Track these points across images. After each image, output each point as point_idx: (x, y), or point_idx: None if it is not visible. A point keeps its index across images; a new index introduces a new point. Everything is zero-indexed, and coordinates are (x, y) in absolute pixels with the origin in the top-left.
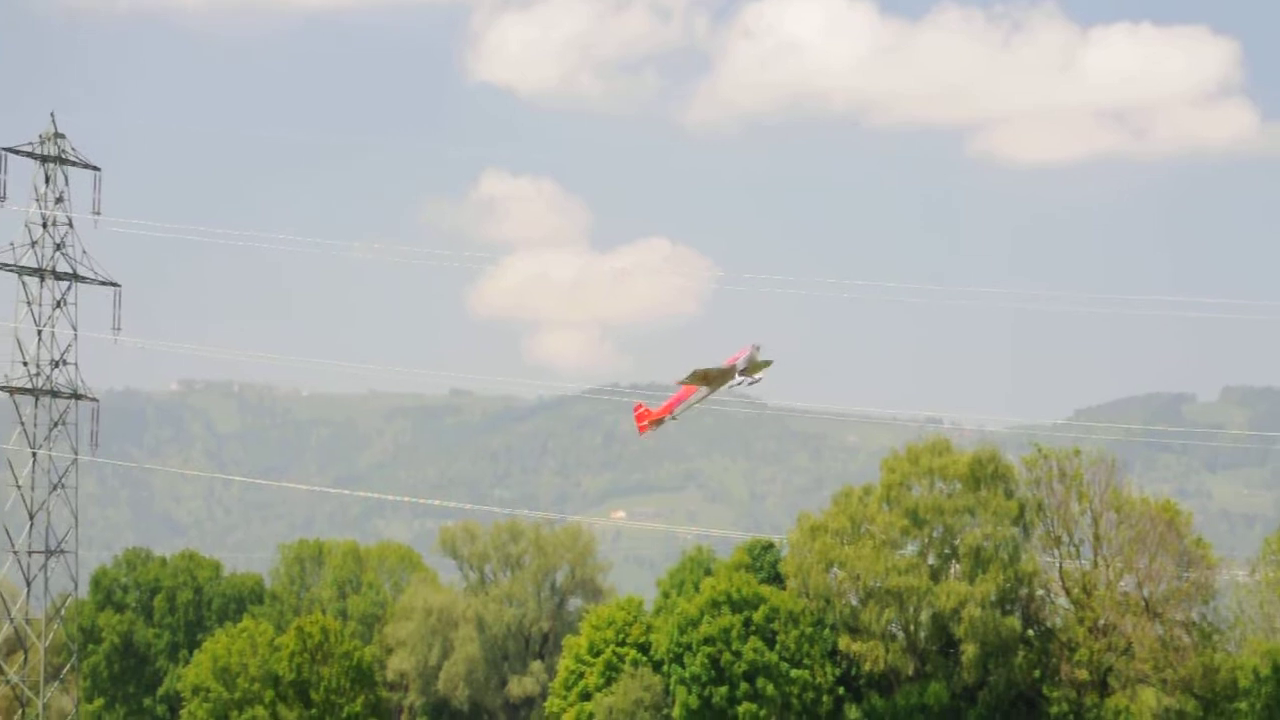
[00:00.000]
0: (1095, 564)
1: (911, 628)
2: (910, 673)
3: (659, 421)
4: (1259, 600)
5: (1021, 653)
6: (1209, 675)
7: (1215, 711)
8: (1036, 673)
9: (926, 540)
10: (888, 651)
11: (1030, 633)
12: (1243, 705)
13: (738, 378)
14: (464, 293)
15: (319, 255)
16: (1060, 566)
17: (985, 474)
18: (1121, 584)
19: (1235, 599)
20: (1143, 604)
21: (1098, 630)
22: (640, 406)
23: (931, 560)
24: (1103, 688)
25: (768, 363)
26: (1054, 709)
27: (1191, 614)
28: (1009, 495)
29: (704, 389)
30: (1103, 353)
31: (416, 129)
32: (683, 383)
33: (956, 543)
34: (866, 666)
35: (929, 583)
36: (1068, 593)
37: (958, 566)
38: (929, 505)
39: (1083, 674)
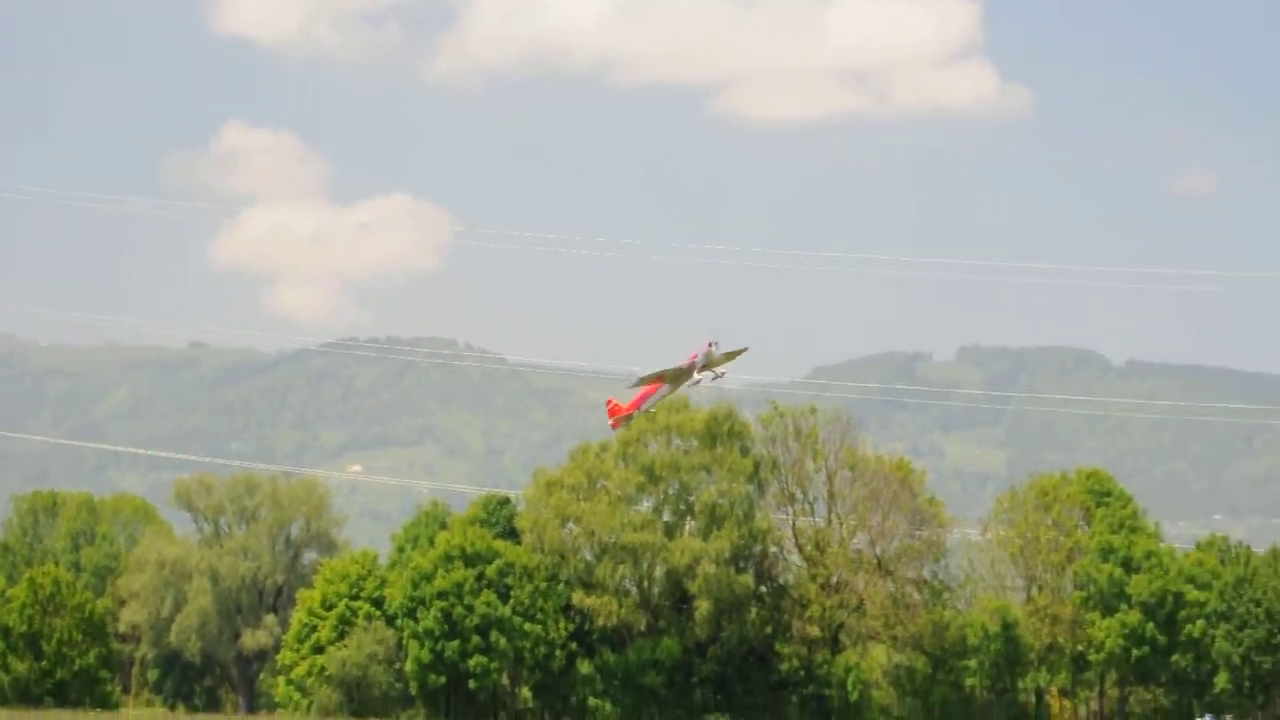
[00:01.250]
0: (829, 522)
1: (645, 583)
2: (643, 628)
3: (629, 417)
4: (990, 559)
5: (754, 609)
6: (939, 632)
7: (944, 668)
8: (769, 629)
9: (662, 497)
10: (621, 607)
11: (763, 589)
12: (971, 662)
13: (697, 375)
14: (203, 245)
15: (60, 206)
16: (794, 524)
17: (721, 431)
18: (854, 542)
19: (966, 557)
20: (875, 561)
21: (830, 587)
22: (612, 401)
23: (666, 517)
24: (834, 644)
25: (735, 353)
26: (785, 665)
27: (923, 572)
28: (745, 453)
29: (667, 385)
30: (841, 312)
31: (159, 81)
32: (642, 382)
33: (692, 499)
34: (600, 621)
35: (664, 539)
36: (801, 550)
37: (692, 523)
38: (665, 462)
39: (814, 630)
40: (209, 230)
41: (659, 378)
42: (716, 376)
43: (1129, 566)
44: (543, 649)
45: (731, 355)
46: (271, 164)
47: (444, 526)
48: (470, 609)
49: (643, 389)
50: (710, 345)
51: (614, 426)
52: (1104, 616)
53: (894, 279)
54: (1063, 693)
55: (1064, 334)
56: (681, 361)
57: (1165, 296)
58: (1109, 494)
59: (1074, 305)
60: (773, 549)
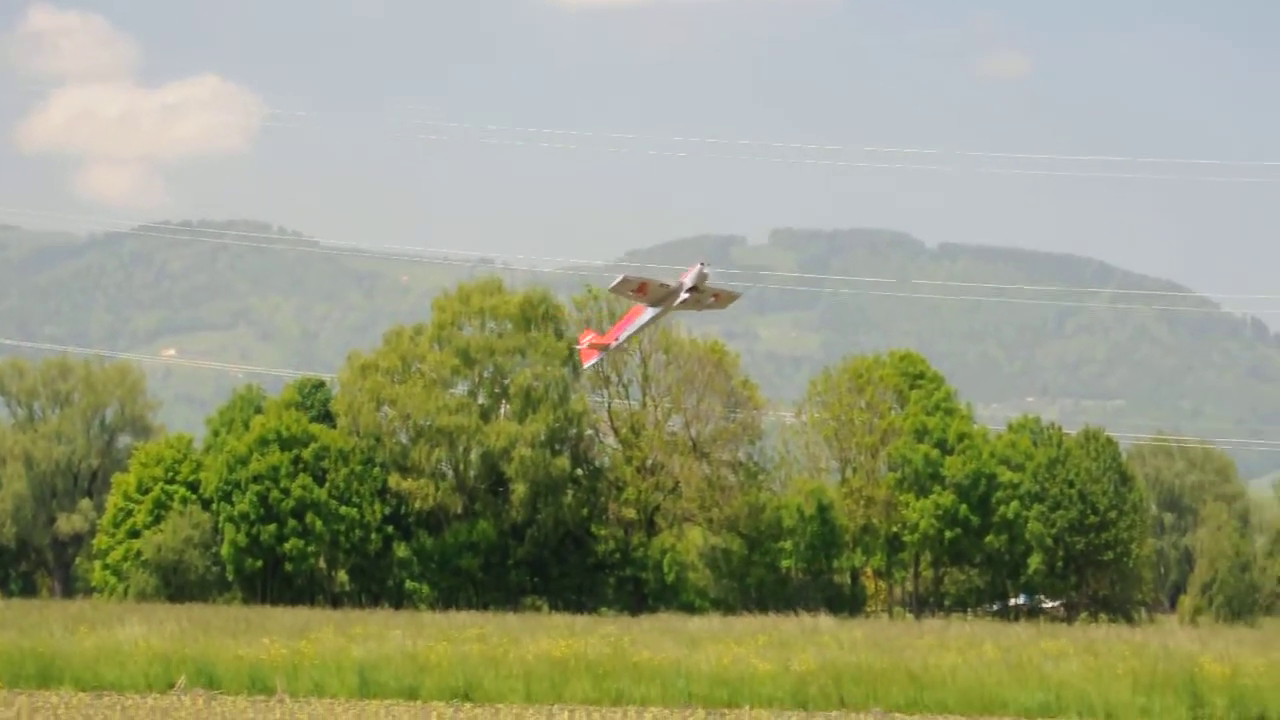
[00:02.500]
0: (644, 405)
1: (461, 466)
2: (459, 511)
3: (605, 348)
4: (804, 441)
5: (570, 492)
6: (754, 514)
7: (760, 550)
8: (585, 511)
9: (477, 380)
10: (438, 490)
11: (579, 472)
12: (787, 544)
13: (684, 295)
14: (11, 128)
15: None
16: (609, 407)
17: (536, 314)
18: (669, 424)
19: (781, 440)
20: (690, 444)
21: (645, 470)
22: (587, 334)
23: (482, 400)
24: (650, 526)
25: (734, 295)
26: (602, 547)
27: (738, 454)
28: (559, 336)
29: (650, 310)
30: (654, 195)
31: None
32: (614, 289)
33: (507, 382)
34: (416, 505)
35: (479, 422)
36: (616, 433)
37: (508, 406)
38: (480, 345)
39: (630, 513)
40: (16, 112)
41: (641, 287)
42: (704, 307)
43: (943, 448)
44: (359, 532)
45: (731, 295)
46: (79, 45)
47: (259, 410)
48: (286, 492)
49: (624, 316)
50: (702, 264)
51: (585, 362)
52: (918, 498)
53: (707, 162)
54: (878, 573)
55: (877, 217)
56: (670, 280)
57: (978, 180)
58: (922, 376)
59: (887, 188)
60: (588, 432)
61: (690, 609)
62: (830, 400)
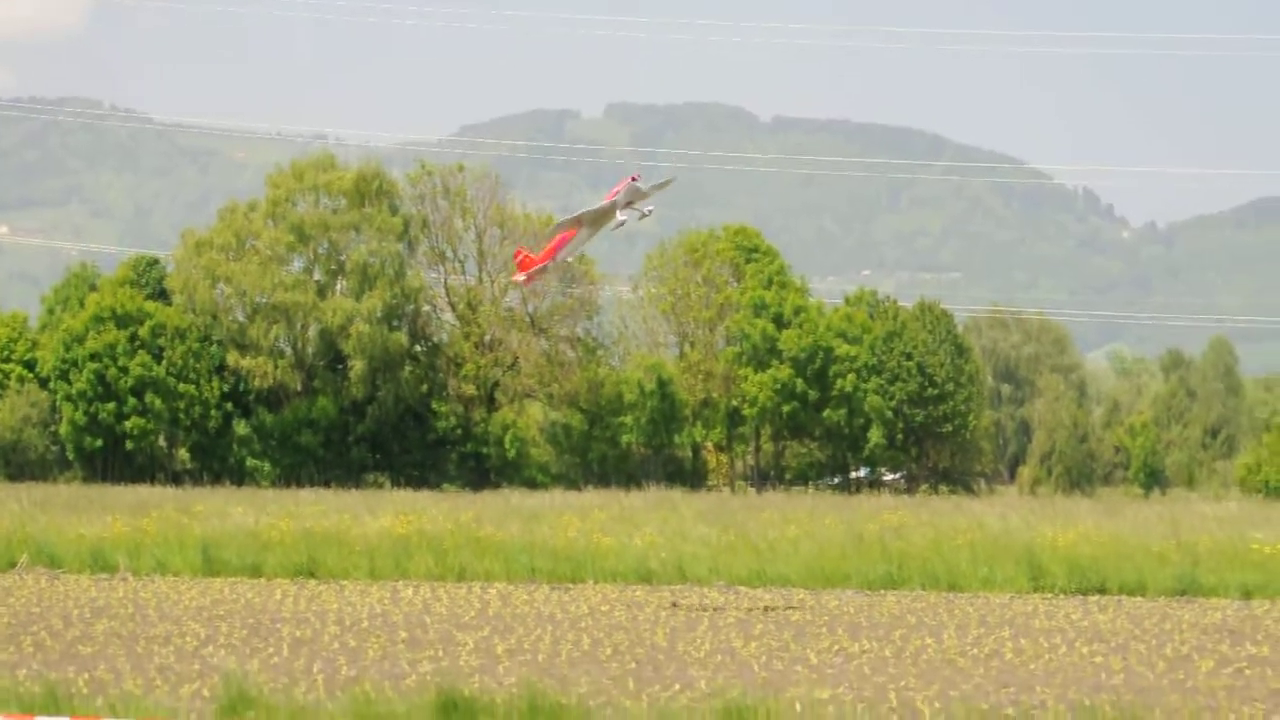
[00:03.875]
0: (480, 280)
1: (300, 343)
2: (299, 388)
3: (542, 269)
4: (642, 316)
5: (409, 368)
6: (594, 389)
7: (601, 425)
8: (424, 387)
9: (313, 256)
10: (276, 367)
11: (418, 348)
12: (627, 419)
13: (620, 214)
14: None
15: None
16: (445, 282)
17: (370, 190)
18: (506, 300)
19: (619, 315)
20: (528, 319)
21: (484, 346)
22: (520, 252)
23: (318, 276)
24: (490, 402)
25: (663, 184)
26: (442, 424)
27: (576, 329)
28: (394, 211)
29: (585, 230)
30: (488, 69)
31: None
32: (557, 228)
33: (343, 259)
34: (256, 383)
35: (315, 299)
36: (454, 308)
37: (344, 283)
38: (314, 221)
39: (470, 389)
40: None
41: (576, 222)
42: (643, 215)
43: (779, 322)
44: (198, 410)
45: (660, 186)
46: None
47: (94, 288)
48: (125, 370)
49: (556, 237)
50: (634, 179)
51: (526, 283)
52: (756, 372)
53: (541, 36)
54: (718, 447)
55: (711, 91)
56: (601, 202)
57: (812, 52)
58: (758, 250)
59: (721, 62)
60: (425, 308)
61: (533, 484)
62: (667, 275)
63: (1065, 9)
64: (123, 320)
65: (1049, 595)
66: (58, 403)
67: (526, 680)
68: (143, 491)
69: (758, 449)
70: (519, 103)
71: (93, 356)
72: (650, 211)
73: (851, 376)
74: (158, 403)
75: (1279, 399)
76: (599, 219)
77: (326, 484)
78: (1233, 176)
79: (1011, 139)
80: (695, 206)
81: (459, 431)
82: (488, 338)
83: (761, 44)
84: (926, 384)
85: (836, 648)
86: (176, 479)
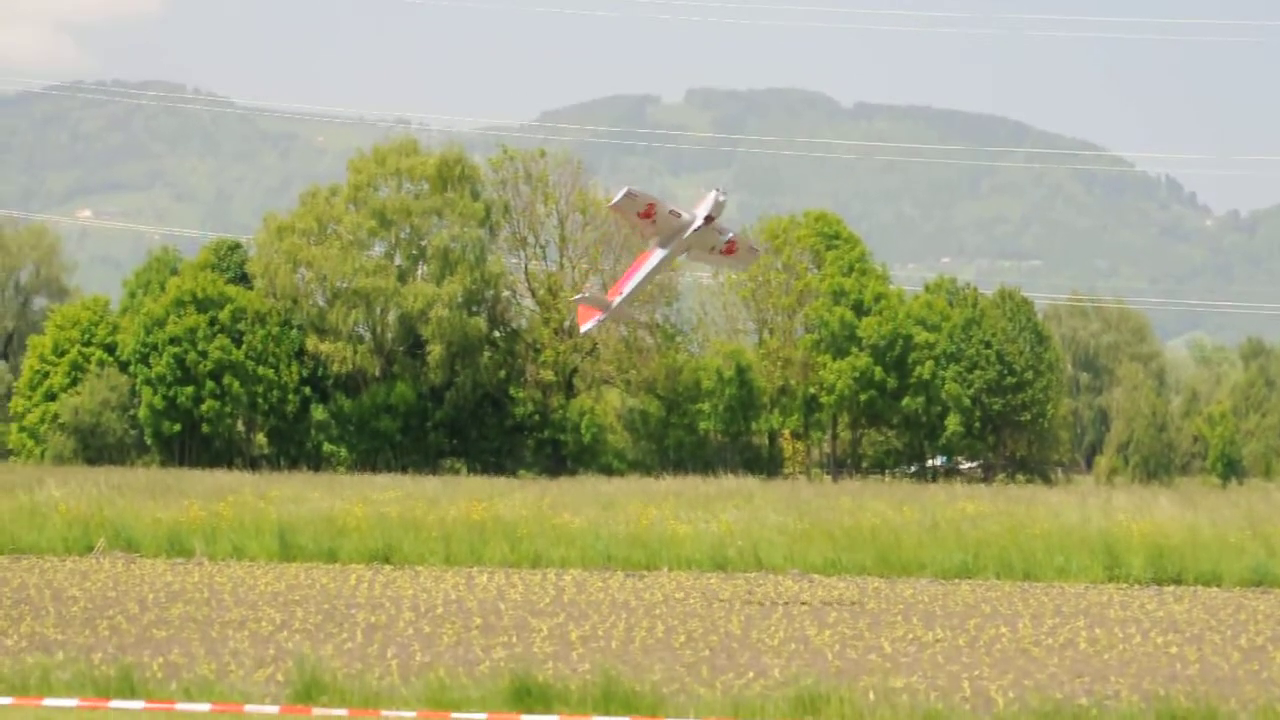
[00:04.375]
0: (561, 265)
1: (379, 328)
2: (377, 373)
3: (608, 306)
4: (722, 302)
5: (487, 353)
6: (672, 376)
7: (679, 412)
8: (503, 373)
9: (394, 241)
10: (355, 353)
11: (496, 334)
12: (705, 406)
13: (698, 224)
14: None
15: None
16: (526, 268)
17: (452, 175)
18: (587, 285)
19: (698, 301)
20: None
21: (563, 332)
22: (588, 290)
23: (399, 261)
24: (568, 388)
25: (756, 252)
26: (520, 409)
27: (655, 316)
28: (476, 197)
29: (659, 251)
30: (569, 54)
31: None
32: (615, 207)
33: (424, 244)
34: (335, 367)
35: (396, 284)
36: (534, 294)
37: (425, 268)
38: (396, 206)
39: (548, 375)
40: None
41: (649, 209)
42: (751, 249)
43: (859, 309)
44: (276, 394)
45: (745, 252)
46: None
47: (175, 272)
48: (204, 354)
49: (626, 273)
50: (717, 192)
51: (583, 322)
52: (835, 359)
53: (620, 20)
54: (795, 435)
55: (792, 76)
56: (678, 209)
57: (893, 38)
58: (838, 237)
59: (801, 47)
60: (505, 293)
61: (609, 471)
62: None
63: None
64: (203, 304)
65: (1124, 585)
66: (137, 386)
67: (600, 667)
68: (220, 476)
69: (834, 437)
70: (600, 88)
71: (172, 340)
72: (727, 255)
73: (930, 364)
74: (236, 387)
75: None
76: (675, 231)
77: (403, 469)
78: None
79: (1093, 126)
80: (775, 193)
81: (536, 418)
82: (567, 324)
83: (842, 29)
84: (1005, 372)
85: (910, 636)
86: (254, 464)
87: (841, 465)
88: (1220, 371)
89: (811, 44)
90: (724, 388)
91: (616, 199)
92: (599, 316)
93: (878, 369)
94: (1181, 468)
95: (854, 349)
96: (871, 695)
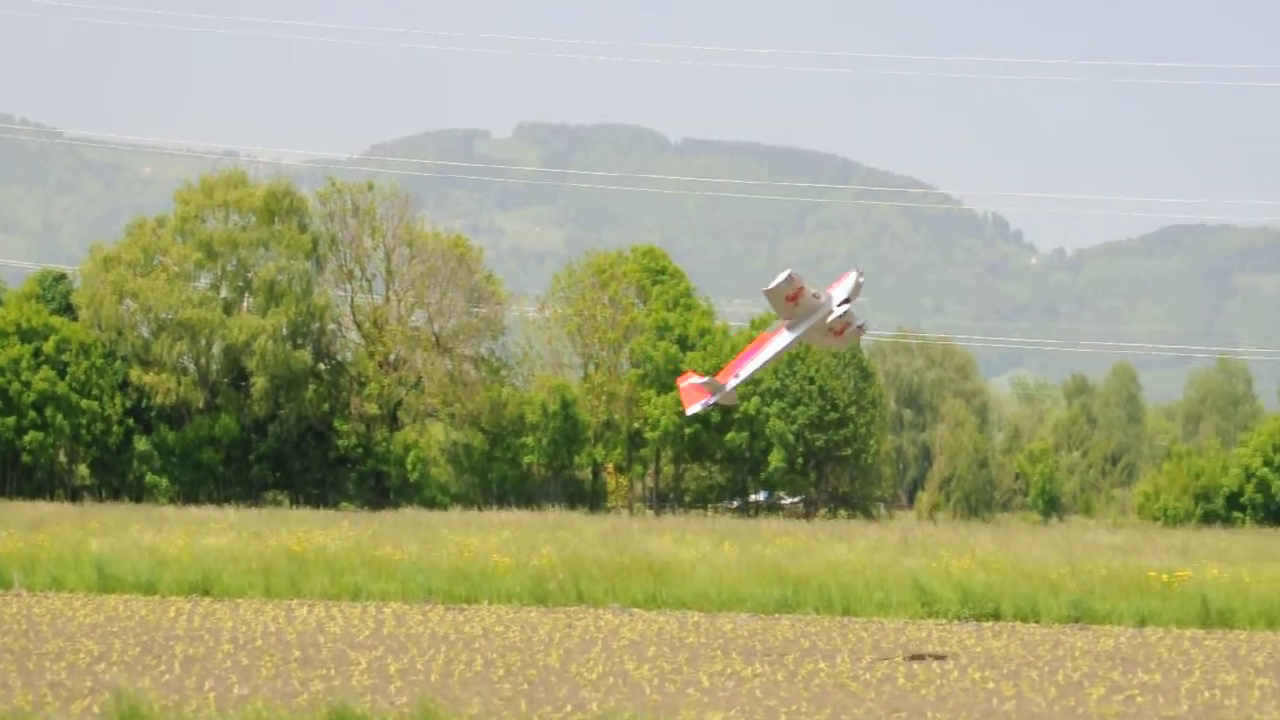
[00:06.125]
0: (387, 299)
1: (204, 360)
2: (201, 405)
3: (720, 389)
4: (547, 337)
5: (312, 386)
6: (497, 409)
7: (503, 445)
8: (327, 406)
9: (220, 273)
10: (179, 384)
11: (322, 366)
12: (529, 439)
13: (835, 308)
14: None
15: None
16: (352, 300)
17: (280, 208)
18: (412, 319)
19: (524, 335)
20: (433, 339)
21: (388, 365)
22: (689, 376)
23: (225, 293)
24: (393, 421)
25: (861, 330)
26: (344, 442)
27: (480, 349)
28: (303, 229)
29: (787, 334)
30: (398, 88)
31: None
32: (771, 291)
33: (250, 276)
34: (158, 399)
35: (221, 315)
36: (359, 327)
37: (251, 299)
38: (223, 238)
39: (373, 408)
40: None
41: (797, 293)
42: (858, 326)
43: (684, 344)
44: (100, 425)
45: (852, 332)
46: None
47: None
48: (27, 385)
49: (744, 350)
50: (857, 272)
51: (689, 405)
52: (659, 394)
53: (450, 54)
54: (619, 469)
55: (621, 112)
56: (818, 290)
57: (723, 74)
58: (664, 272)
59: (630, 83)
60: (331, 326)
61: (432, 504)
62: (573, 296)
63: (976, 33)
64: (27, 335)
65: (943, 620)
66: None
67: (418, 700)
68: (41, 507)
69: (658, 471)
70: (429, 122)
71: None
72: (835, 338)
73: (755, 400)
74: (59, 418)
75: (1179, 427)
76: (811, 313)
77: (227, 501)
78: (1142, 204)
79: (921, 164)
80: (603, 228)
81: (360, 450)
82: (392, 357)
83: (671, 66)
84: (828, 408)
85: (729, 671)
86: (75, 495)
87: (664, 499)
88: (1043, 409)
89: (640, 80)
90: (548, 421)
91: (777, 282)
92: (708, 399)
93: None
94: (1003, 504)
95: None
96: None
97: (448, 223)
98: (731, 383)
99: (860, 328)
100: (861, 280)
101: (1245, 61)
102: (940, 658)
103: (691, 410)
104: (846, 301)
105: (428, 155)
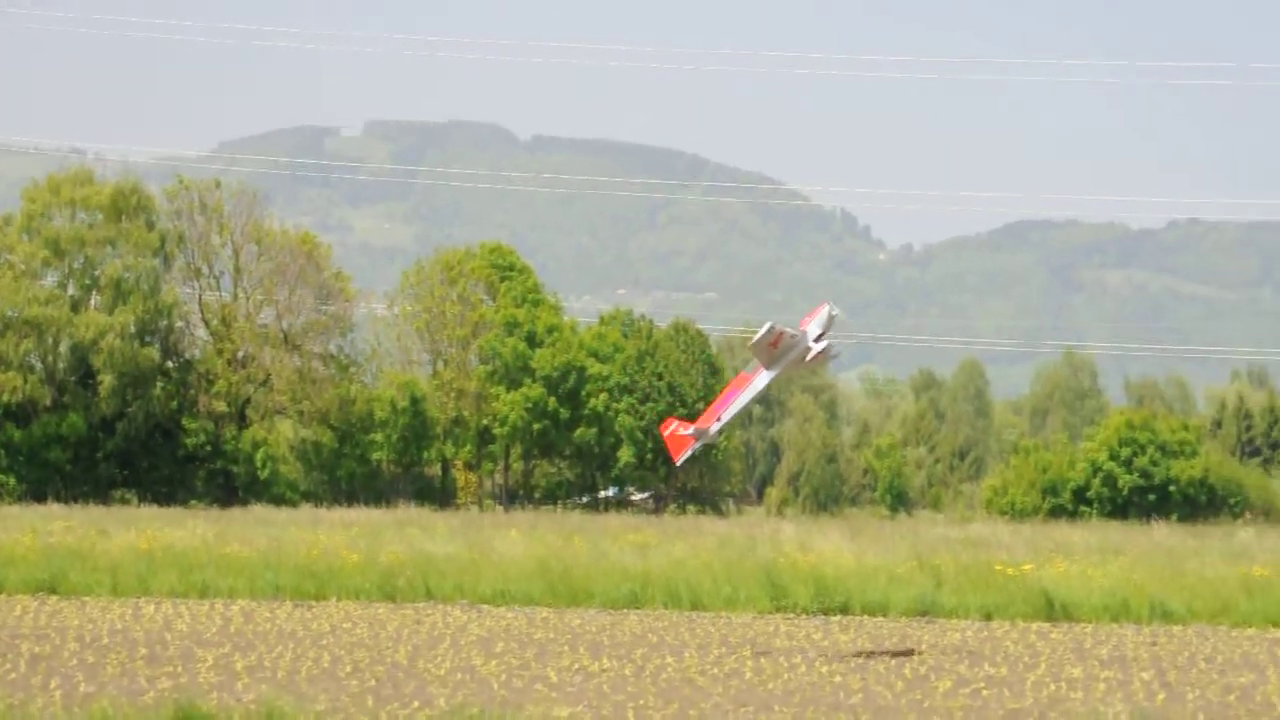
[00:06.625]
0: (235, 296)
1: (50, 358)
2: (48, 403)
3: (703, 433)
4: (396, 333)
5: (160, 384)
6: (345, 407)
7: (352, 442)
8: (175, 404)
9: (67, 271)
10: (25, 382)
11: (169, 364)
12: (378, 436)
13: (812, 345)
14: None
15: None
16: (200, 298)
17: (127, 205)
18: (261, 317)
19: (373, 332)
20: (282, 336)
21: (237, 362)
22: (671, 423)
23: (72, 291)
24: (241, 419)
25: (832, 355)
26: (192, 440)
27: (329, 346)
28: (151, 227)
29: (765, 374)
30: (248, 85)
31: None
32: (755, 344)
33: (97, 274)
34: (4, 397)
35: (68, 313)
36: (207, 324)
37: (98, 297)
38: (70, 236)
39: (221, 405)
40: None
41: (778, 338)
42: (833, 356)
43: (532, 341)
44: None
45: (824, 356)
46: None
47: None
48: None
49: (722, 392)
50: (828, 307)
51: (678, 454)
52: (508, 390)
53: (300, 51)
54: (468, 465)
55: (471, 109)
56: (794, 330)
57: (573, 71)
58: (512, 268)
59: (481, 80)
60: (179, 323)
61: (281, 502)
62: (422, 292)
63: (827, 28)
64: None
65: (791, 615)
66: None
67: (264, 698)
68: None
69: (507, 468)
70: (279, 119)
71: None
72: (836, 353)
73: (604, 396)
74: None
75: (1026, 421)
76: (787, 352)
77: (74, 500)
78: (989, 200)
79: (771, 160)
80: (453, 225)
81: (209, 448)
82: (240, 354)
83: (521, 63)
84: (677, 403)
85: (577, 666)
86: None
87: (514, 496)
88: (891, 404)
89: (491, 77)
90: (397, 418)
91: (759, 336)
92: (694, 445)
93: (551, 400)
94: (851, 499)
95: (527, 380)
96: None
97: (297, 220)
98: (714, 426)
99: (832, 354)
100: (835, 314)
101: (1088, 57)
102: (907, 654)
103: (681, 459)
104: (821, 336)
105: (277, 153)
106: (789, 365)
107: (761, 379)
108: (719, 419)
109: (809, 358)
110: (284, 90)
